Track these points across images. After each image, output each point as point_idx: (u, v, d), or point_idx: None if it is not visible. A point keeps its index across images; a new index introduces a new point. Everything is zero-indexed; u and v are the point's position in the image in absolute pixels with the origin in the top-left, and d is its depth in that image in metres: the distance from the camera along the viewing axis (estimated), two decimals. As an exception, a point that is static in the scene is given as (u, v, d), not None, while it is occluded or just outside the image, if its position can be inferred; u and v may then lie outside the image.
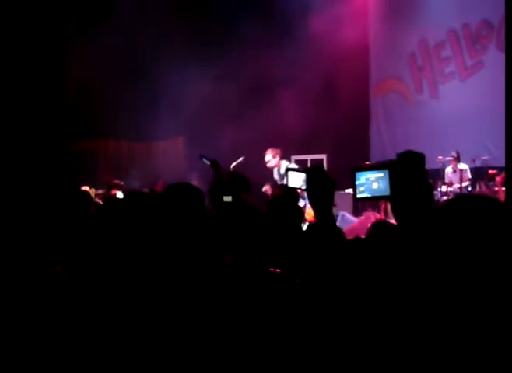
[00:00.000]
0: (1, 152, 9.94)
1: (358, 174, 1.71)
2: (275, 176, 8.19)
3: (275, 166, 8.15)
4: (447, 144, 10.35)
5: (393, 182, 1.63)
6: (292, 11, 12.26)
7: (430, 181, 10.24)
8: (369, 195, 1.70)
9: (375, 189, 1.69)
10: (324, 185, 1.78)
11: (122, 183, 10.24)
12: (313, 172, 1.88)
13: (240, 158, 8.26)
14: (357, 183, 1.71)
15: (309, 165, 13.05)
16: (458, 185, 9.87)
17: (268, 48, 11.74)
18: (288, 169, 2.55)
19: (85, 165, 12.00)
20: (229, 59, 11.12)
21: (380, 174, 1.67)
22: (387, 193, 1.65)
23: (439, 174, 10.27)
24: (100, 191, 10.04)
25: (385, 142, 12.98)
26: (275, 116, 11.79)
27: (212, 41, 11.79)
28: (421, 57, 12.48)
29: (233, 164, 8.06)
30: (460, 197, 1.56)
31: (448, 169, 10.24)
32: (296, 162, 13.27)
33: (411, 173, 1.61)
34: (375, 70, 13.36)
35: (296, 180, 2.55)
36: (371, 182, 1.69)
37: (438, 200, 10.13)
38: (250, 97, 11.50)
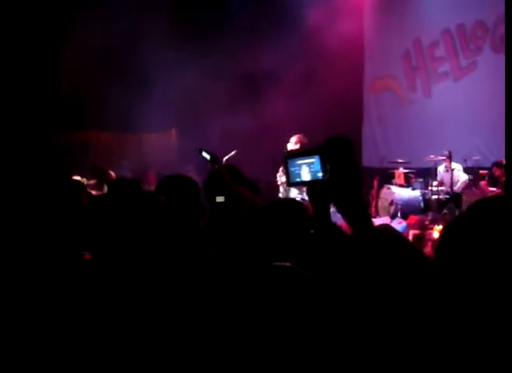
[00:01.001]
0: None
1: (290, 161, 1.77)
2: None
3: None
4: (438, 143, 10.39)
5: (324, 166, 1.68)
6: (287, 5, 12.26)
7: (421, 180, 10.33)
8: (301, 180, 1.76)
9: (307, 175, 1.74)
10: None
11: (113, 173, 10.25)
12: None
13: (233, 152, 8.31)
14: (290, 169, 1.77)
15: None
16: (449, 184, 9.91)
17: (261, 43, 11.74)
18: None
19: (77, 156, 11.97)
20: (220, 52, 11.09)
21: (312, 159, 1.73)
22: (319, 177, 1.70)
23: (430, 173, 10.32)
24: (92, 181, 10.02)
25: (378, 140, 13.02)
26: (267, 111, 11.79)
27: (203, 32, 11.75)
28: (415, 56, 12.51)
29: (226, 157, 8.10)
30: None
31: (440, 168, 10.29)
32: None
33: (341, 157, 1.65)
34: (369, 68, 13.38)
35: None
36: (303, 167, 1.75)
37: (429, 199, 10.19)
38: (241, 92, 11.49)
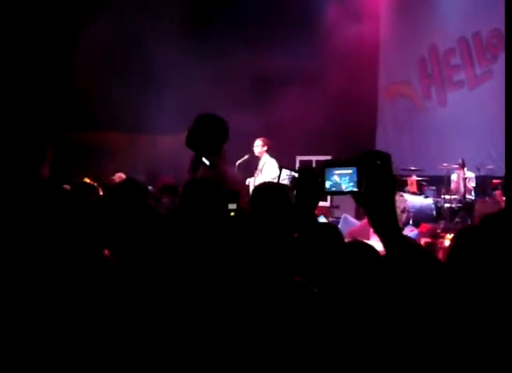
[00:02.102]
0: (5, 144, 9.96)
1: (328, 170, 1.80)
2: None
3: (258, 155, 8.44)
4: (452, 152, 10.34)
5: (360, 179, 1.71)
6: (303, 10, 12.27)
7: (433, 188, 10.26)
8: (337, 190, 1.78)
9: (343, 185, 1.77)
10: (314, 187, 1.84)
11: (124, 175, 10.30)
12: (304, 172, 1.95)
13: (245, 156, 8.38)
14: (327, 178, 1.80)
15: (313, 166, 13.07)
16: (462, 193, 9.86)
17: (274, 45, 11.72)
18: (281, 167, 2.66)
19: (89, 157, 12.02)
20: (234, 53, 11.09)
21: (349, 170, 1.75)
22: (355, 189, 1.73)
23: (443, 181, 10.27)
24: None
25: (391, 145, 12.97)
26: (279, 113, 11.80)
27: (216, 33, 11.75)
28: (430, 63, 12.47)
29: (239, 161, 8.17)
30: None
31: (453, 177, 10.24)
32: (301, 162, 13.32)
33: (379, 171, 1.67)
34: (384, 73, 13.35)
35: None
36: (340, 178, 1.77)
37: (441, 207, 10.14)
38: (254, 93, 11.49)
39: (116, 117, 11.58)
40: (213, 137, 4.20)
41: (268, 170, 8.31)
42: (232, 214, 2.61)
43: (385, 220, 1.67)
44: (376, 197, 1.66)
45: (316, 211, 2.39)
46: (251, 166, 8.65)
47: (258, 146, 8.44)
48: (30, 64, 11.06)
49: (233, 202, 2.68)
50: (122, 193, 2.77)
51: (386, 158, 1.72)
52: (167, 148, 12.64)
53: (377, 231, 1.68)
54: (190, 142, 4.20)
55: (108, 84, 10.89)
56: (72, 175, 10.83)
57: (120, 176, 10.23)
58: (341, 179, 1.75)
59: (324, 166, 1.79)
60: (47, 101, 11.35)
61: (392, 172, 1.72)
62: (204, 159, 4.06)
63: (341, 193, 1.76)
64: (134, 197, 2.56)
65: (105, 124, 12.45)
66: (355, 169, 1.72)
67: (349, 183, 1.72)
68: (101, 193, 6.38)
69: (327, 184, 1.77)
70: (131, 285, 1.90)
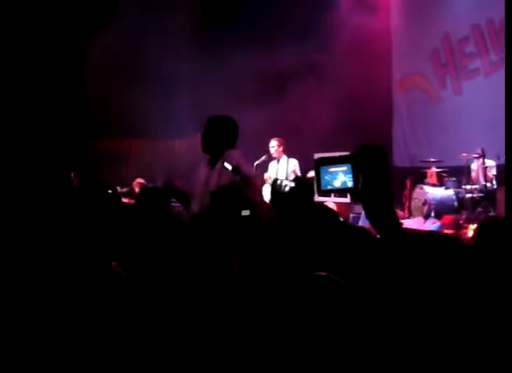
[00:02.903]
0: (26, 152, 10.10)
1: (322, 168, 1.80)
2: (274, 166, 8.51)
3: (276, 157, 8.49)
4: (470, 141, 10.25)
5: (356, 175, 1.70)
6: (314, 6, 12.25)
7: (454, 179, 10.18)
8: (332, 188, 1.78)
9: (339, 182, 1.77)
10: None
11: (143, 181, 10.37)
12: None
13: (263, 157, 8.43)
14: (321, 176, 1.80)
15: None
16: (483, 182, 9.77)
17: (288, 43, 11.70)
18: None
19: (109, 163, 12.11)
20: (245, 54, 11.08)
21: (344, 167, 1.75)
22: (351, 185, 1.73)
23: (463, 171, 10.19)
24: (124, 189, 10.15)
25: (408, 139, 12.91)
26: (294, 112, 11.79)
27: (226, 35, 11.75)
28: (444, 52, 12.38)
29: (256, 162, 8.20)
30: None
31: (473, 166, 10.14)
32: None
33: (374, 166, 1.66)
34: (398, 66, 13.29)
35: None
36: (334, 175, 1.77)
37: (463, 198, 10.05)
38: (271, 93, 11.49)
39: (132, 124, 11.65)
40: (225, 138, 4.29)
41: (292, 168, 8.39)
42: (245, 220, 2.62)
43: (384, 215, 1.66)
44: (374, 193, 1.65)
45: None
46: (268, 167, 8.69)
47: (274, 147, 8.50)
48: (50, 74, 11.18)
49: (246, 208, 2.69)
50: (147, 202, 2.79)
51: (380, 151, 1.71)
52: (185, 151, 12.70)
53: (376, 227, 1.68)
54: (206, 147, 4.29)
55: (122, 91, 10.98)
56: (91, 181, 10.95)
57: (139, 182, 10.30)
58: (337, 176, 1.74)
59: (318, 164, 1.79)
60: (64, 111, 11.45)
61: (388, 165, 1.71)
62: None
63: (337, 190, 1.76)
64: (159, 207, 2.58)
65: (121, 131, 12.55)
66: (349, 165, 1.72)
67: (345, 179, 1.72)
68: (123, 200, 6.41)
69: (323, 182, 1.77)
70: (148, 294, 1.91)
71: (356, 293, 1.77)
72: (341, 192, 1.79)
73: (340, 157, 1.78)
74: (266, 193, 7.37)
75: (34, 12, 10.79)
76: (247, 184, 3.56)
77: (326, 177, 1.77)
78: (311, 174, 7.95)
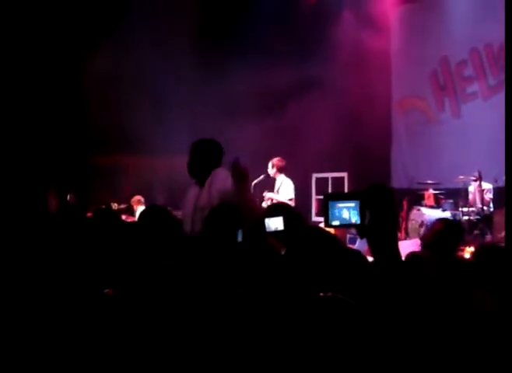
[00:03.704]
0: (24, 168, 10.13)
1: (331, 202, 1.87)
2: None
3: (273, 176, 8.54)
4: (468, 164, 10.30)
5: (363, 212, 1.77)
6: (315, 25, 12.35)
7: (451, 201, 10.18)
8: (339, 223, 1.85)
9: (345, 218, 1.83)
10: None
11: (142, 198, 10.37)
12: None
13: (261, 176, 8.45)
14: (330, 210, 1.87)
15: (329, 183, 13.07)
16: (480, 205, 9.80)
17: (285, 60, 11.78)
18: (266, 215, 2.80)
19: (107, 179, 12.12)
20: (245, 71, 11.14)
21: (351, 204, 1.82)
22: (357, 222, 1.80)
23: (460, 194, 10.22)
24: (123, 206, 10.17)
25: (406, 160, 12.95)
26: (293, 130, 11.84)
27: (228, 51, 11.82)
28: (443, 75, 12.47)
29: (255, 182, 8.22)
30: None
31: (471, 189, 10.18)
32: (317, 179, 13.33)
33: (381, 205, 1.72)
34: (397, 87, 13.37)
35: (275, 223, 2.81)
36: (342, 210, 1.84)
37: (460, 220, 10.07)
38: (270, 110, 11.53)
39: (131, 140, 11.67)
40: (210, 160, 4.41)
41: (285, 190, 8.40)
42: (239, 241, 2.65)
43: (388, 253, 1.71)
44: (379, 231, 1.70)
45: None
46: (267, 186, 8.70)
47: (273, 167, 8.53)
48: (49, 90, 11.24)
49: (239, 228, 2.72)
50: (152, 221, 2.79)
51: (389, 192, 1.77)
52: (185, 169, 12.68)
53: (380, 264, 1.71)
54: (192, 172, 4.43)
55: (121, 107, 11.02)
56: (91, 197, 10.96)
57: (139, 199, 10.32)
58: (345, 211, 1.81)
59: (327, 199, 1.85)
60: (65, 126, 11.50)
61: (394, 207, 1.77)
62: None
63: (345, 225, 1.82)
64: (164, 226, 2.60)
65: (120, 147, 12.57)
66: (358, 202, 1.77)
67: (353, 215, 1.78)
68: (123, 218, 6.44)
69: (331, 217, 1.84)
70: (153, 317, 1.92)
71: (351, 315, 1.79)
72: (347, 227, 1.86)
73: (349, 193, 1.86)
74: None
75: (36, 27, 10.88)
76: (246, 207, 3.55)
77: (334, 212, 1.83)
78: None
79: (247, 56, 11.31)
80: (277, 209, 3.32)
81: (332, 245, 2.39)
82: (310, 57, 11.66)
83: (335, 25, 12.39)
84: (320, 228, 2.31)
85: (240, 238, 2.70)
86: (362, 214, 1.76)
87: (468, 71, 11.94)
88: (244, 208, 3.21)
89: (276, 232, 2.91)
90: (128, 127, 11.18)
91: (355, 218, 1.78)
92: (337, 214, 1.82)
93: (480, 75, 11.70)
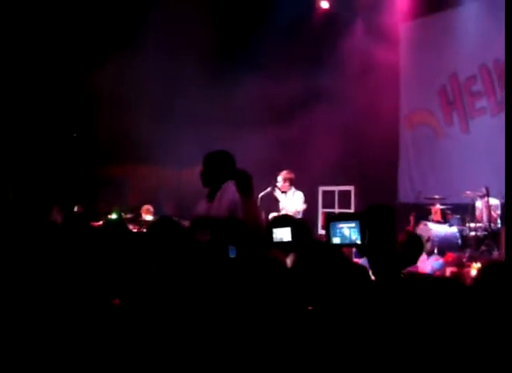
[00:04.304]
0: (32, 179, 10.19)
1: (332, 223, 1.91)
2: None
3: (282, 188, 8.50)
4: (475, 179, 10.27)
5: (363, 232, 1.80)
6: (323, 38, 12.39)
7: (458, 216, 10.15)
8: (341, 242, 1.89)
9: (346, 238, 1.87)
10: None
11: (151, 208, 10.38)
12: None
13: (268, 189, 8.44)
14: (331, 230, 1.91)
15: (336, 196, 13.05)
16: (487, 221, 9.75)
17: (296, 76, 11.80)
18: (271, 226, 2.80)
19: (115, 189, 12.15)
20: (254, 85, 11.16)
21: (352, 224, 1.85)
22: (357, 241, 1.84)
23: (467, 209, 10.18)
24: (129, 215, 10.18)
25: (414, 175, 12.93)
26: (303, 145, 11.84)
27: (236, 62, 11.84)
28: (452, 90, 12.47)
29: (261, 194, 8.21)
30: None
31: (478, 204, 10.14)
32: (324, 193, 13.32)
33: (380, 225, 1.74)
34: (405, 102, 13.36)
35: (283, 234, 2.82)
36: (343, 230, 1.87)
37: (467, 236, 10.03)
38: (276, 125, 11.54)
39: (140, 151, 11.72)
40: (222, 171, 4.43)
41: (295, 203, 8.38)
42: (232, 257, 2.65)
43: (388, 271, 1.71)
44: (379, 250, 1.71)
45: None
46: (273, 199, 8.69)
47: (282, 180, 8.50)
48: (57, 100, 11.31)
49: (245, 241, 2.72)
50: (163, 232, 2.79)
51: (388, 211, 1.78)
52: (193, 180, 12.68)
53: (380, 282, 1.72)
54: (205, 182, 4.45)
55: (130, 119, 11.05)
56: (99, 206, 10.98)
57: (147, 208, 10.34)
58: (345, 231, 1.83)
59: (328, 220, 1.89)
60: (73, 137, 11.56)
61: (394, 226, 1.78)
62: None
63: (346, 245, 1.85)
64: (175, 237, 2.60)
65: (128, 158, 12.61)
66: (358, 222, 1.80)
67: (353, 235, 1.80)
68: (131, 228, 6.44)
69: (333, 237, 1.86)
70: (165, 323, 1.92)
71: (348, 329, 1.79)
72: (348, 247, 1.89)
73: (349, 214, 1.93)
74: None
75: (47, 39, 10.95)
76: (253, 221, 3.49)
77: (335, 232, 1.86)
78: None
79: (255, 68, 11.35)
80: (284, 220, 3.31)
81: (338, 259, 2.38)
82: (316, 70, 11.69)
83: (345, 38, 12.45)
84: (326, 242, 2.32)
85: (232, 254, 2.69)
86: (362, 234, 1.78)
87: (477, 86, 11.93)
88: (250, 222, 3.19)
89: (283, 243, 2.90)
90: (136, 138, 11.22)
91: (355, 236, 1.81)
92: (338, 234, 1.85)
93: (489, 91, 11.69)
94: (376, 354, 1.72)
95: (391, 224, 1.74)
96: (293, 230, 2.84)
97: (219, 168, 4.50)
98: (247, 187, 3.64)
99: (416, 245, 4.31)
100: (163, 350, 1.88)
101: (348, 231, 1.85)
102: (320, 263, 2.28)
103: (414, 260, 4.21)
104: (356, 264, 2.47)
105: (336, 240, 1.88)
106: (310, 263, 2.28)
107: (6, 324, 2.06)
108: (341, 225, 1.87)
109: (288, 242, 2.86)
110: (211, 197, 4.50)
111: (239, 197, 4.01)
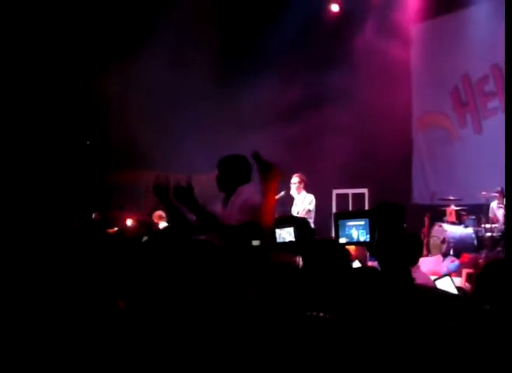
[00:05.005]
0: (44, 185, 10.25)
1: (341, 221, 1.87)
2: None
3: (296, 191, 8.48)
4: (490, 180, 10.19)
5: (373, 230, 1.76)
6: (334, 39, 12.37)
7: (473, 217, 10.07)
8: (349, 241, 1.85)
9: (353, 236, 1.83)
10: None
11: (163, 214, 10.38)
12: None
13: (282, 193, 8.41)
14: (340, 229, 1.87)
15: (350, 199, 12.99)
16: (503, 221, 9.67)
17: (306, 77, 11.77)
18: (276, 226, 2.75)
19: (126, 195, 12.18)
20: (263, 86, 11.12)
21: (361, 222, 1.81)
22: (366, 239, 1.79)
23: (482, 210, 10.10)
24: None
25: (428, 176, 12.86)
26: (317, 148, 11.80)
27: (245, 64, 11.83)
28: (464, 91, 12.41)
29: (275, 197, 8.17)
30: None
31: (493, 205, 10.06)
32: (337, 196, 13.26)
33: (390, 223, 1.70)
34: (417, 103, 13.32)
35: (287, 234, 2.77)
36: (352, 229, 1.83)
37: (482, 237, 9.95)
38: (287, 127, 11.50)
39: (152, 158, 11.73)
40: (238, 176, 4.38)
41: (307, 206, 8.38)
42: (255, 250, 2.61)
43: (397, 270, 1.69)
44: (388, 249, 1.68)
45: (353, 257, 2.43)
46: (288, 202, 8.67)
47: (295, 183, 8.50)
48: (70, 106, 11.39)
49: (256, 238, 2.66)
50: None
51: (398, 209, 1.74)
52: (204, 186, 12.69)
53: (389, 282, 1.70)
54: (221, 186, 4.42)
55: (141, 126, 11.09)
56: (112, 212, 11.02)
57: (160, 215, 10.33)
58: (354, 230, 1.80)
59: (337, 218, 1.85)
60: (85, 143, 11.62)
61: (403, 224, 1.75)
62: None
63: (354, 243, 1.81)
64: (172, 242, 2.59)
65: (140, 164, 12.63)
66: (367, 220, 1.76)
67: (361, 234, 1.77)
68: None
69: (341, 235, 1.83)
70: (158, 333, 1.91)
71: (356, 334, 1.78)
72: (355, 245, 1.86)
73: (359, 212, 1.88)
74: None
75: (56, 45, 11.02)
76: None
77: (344, 230, 1.83)
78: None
79: (265, 70, 11.34)
80: (286, 220, 3.28)
81: (343, 260, 2.36)
82: (328, 70, 11.64)
83: (356, 38, 12.40)
84: (336, 242, 2.29)
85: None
86: (371, 233, 1.75)
87: (489, 86, 11.87)
88: (267, 219, 3.13)
89: (286, 243, 2.86)
90: (147, 144, 11.25)
91: (363, 237, 1.77)
92: (346, 232, 1.82)
93: (501, 91, 11.62)
94: (383, 357, 1.70)
95: (400, 223, 1.71)
96: (296, 229, 2.80)
97: (234, 172, 4.47)
98: (269, 182, 3.43)
99: (415, 245, 4.23)
100: (165, 346, 1.87)
101: (357, 231, 1.82)
102: (326, 263, 2.26)
103: (414, 261, 4.13)
104: (365, 266, 2.46)
105: (343, 240, 1.85)
106: (316, 264, 2.26)
107: (17, 324, 2.06)
108: (350, 223, 1.84)
109: (291, 242, 2.82)
110: (226, 202, 4.47)
111: (255, 199, 3.98)
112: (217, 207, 4.51)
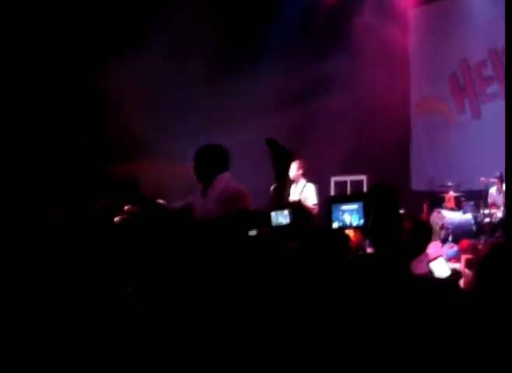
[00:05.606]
0: (44, 176, 10.23)
1: (334, 205, 1.85)
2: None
3: (294, 178, 8.15)
4: (489, 165, 10.19)
5: (367, 213, 1.74)
6: (332, 25, 12.31)
7: (472, 203, 10.08)
8: (342, 225, 1.83)
9: (346, 221, 1.81)
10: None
11: (163, 202, 10.38)
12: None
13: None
14: (333, 213, 1.85)
15: (348, 186, 12.98)
16: (502, 207, 9.68)
17: (303, 64, 11.73)
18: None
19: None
20: (266, 79, 11.09)
21: (355, 206, 1.79)
22: (359, 224, 1.77)
23: (481, 195, 10.10)
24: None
25: (426, 162, 12.86)
26: (314, 135, 11.76)
27: (245, 56, 11.78)
28: (463, 76, 12.38)
29: (273, 186, 8.10)
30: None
31: (492, 190, 10.07)
32: (336, 183, 13.25)
33: (385, 206, 1.68)
34: (416, 89, 13.29)
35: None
36: (345, 213, 1.81)
37: (481, 222, 9.95)
38: (285, 114, 11.45)
39: (151, 149, 11.70)
40: (215, 165, 4.41)
41: (310, 195, 8.07)
42: (251, 240, 2.60)
43: (393, 253, 1.68)
44: (383, 231, 1.67)
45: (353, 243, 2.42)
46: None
47: (294, 169, 8.07)
48: (68, 97, 11.35)
49: (253, 228, 2.65)
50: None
51: (392, 192, 1.73)
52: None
53: (385, 264, 1.69)
54: (199, 176, 4.44)
55: (141, 117, 11.05)
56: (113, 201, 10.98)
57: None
58: (348, 214, 1.77)
59: (330, 202, 1.83)
60: (84, 133, 11.58)
61: (398, 207, 1.73)
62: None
63: (348, 227, 1.79)
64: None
65: (139, 156, 12.60)
66: (361, 203, 1.74)
67: (356, 217, 1.74)
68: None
69: (334, 219, 1.81)
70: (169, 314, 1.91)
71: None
72: (351, 229, 1.84)
73: (352, 195, 1.86)
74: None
75: (55, 39, 10.97)
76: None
77: (338, 215, 1.80)
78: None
79: (263, 58, 11.29)
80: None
81: (340, 247, 2.35)
82: (326, 57, 11.59)
83: (354, 25, 12.33)
84: (334, 229, 2.27)
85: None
86: (366, 216, 1.72)
87: (488, 71, 11.84)
88: (279, 204, 3.11)
89: (282, 227, 2.84)
90: (145, 134, 11.22)
91: (356, 222, 1.75)
92: (340, 216, 1.80)
93: (499, 75, 11.59)
94: (378, 350, 1.70)
95: (394, 204, 1.69)
96: (291, 212, 2.77)
97: (210, 162, 4.48)
98: (283, 167, 3.47)
99: (424, 233, 4.15)
100: (168, 336, 1.88)
101: (350, 215, 1.79)
102: (322, 249, 2.24)
103: (422, 248, 4.08)
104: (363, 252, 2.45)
105: (339, 223, 1.82)
106: (312, 250, 2.24)
107: (23, 316, 2.06)
108: (343, 207, 1.81)
109: (287, 225, 2.79)
110: (204, 192, 4.47)
111: (234, 185, 4.02)
112: (196, 199, 4.53)
